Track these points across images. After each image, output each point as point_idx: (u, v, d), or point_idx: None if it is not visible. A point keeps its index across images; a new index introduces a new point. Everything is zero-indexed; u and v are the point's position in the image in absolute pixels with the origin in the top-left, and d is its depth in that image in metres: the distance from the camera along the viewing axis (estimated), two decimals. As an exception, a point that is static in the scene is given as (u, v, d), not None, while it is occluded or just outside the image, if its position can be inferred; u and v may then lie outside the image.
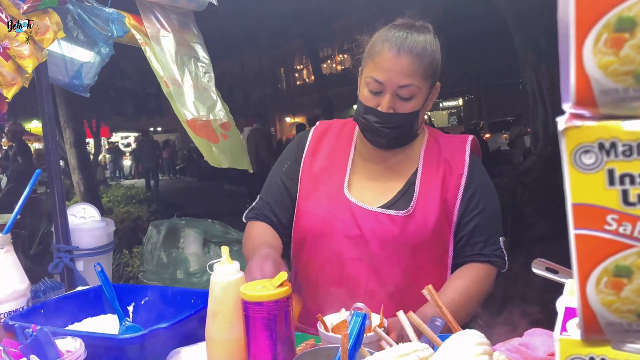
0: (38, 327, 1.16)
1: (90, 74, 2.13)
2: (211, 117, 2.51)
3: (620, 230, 0.41)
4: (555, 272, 1.16)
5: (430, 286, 1.11)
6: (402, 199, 1.64)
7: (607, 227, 0.42)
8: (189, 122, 2.39)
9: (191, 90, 2.44)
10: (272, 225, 1.77)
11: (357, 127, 1.76)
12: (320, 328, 1.37)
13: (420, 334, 1.11)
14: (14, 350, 1.15)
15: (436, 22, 1.65)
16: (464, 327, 1.66)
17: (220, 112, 2.56)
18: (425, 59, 1.54)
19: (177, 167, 23.64)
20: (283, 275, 1.26)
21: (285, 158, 1.83)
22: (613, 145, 0.41)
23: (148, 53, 2.30)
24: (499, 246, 1.65)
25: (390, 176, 1.69)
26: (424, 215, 1.61)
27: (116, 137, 30.00)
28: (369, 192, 1.68)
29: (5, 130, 8.96)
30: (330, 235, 1.65)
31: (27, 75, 1.66)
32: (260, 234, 1.74)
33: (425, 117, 1.78)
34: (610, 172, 0.41)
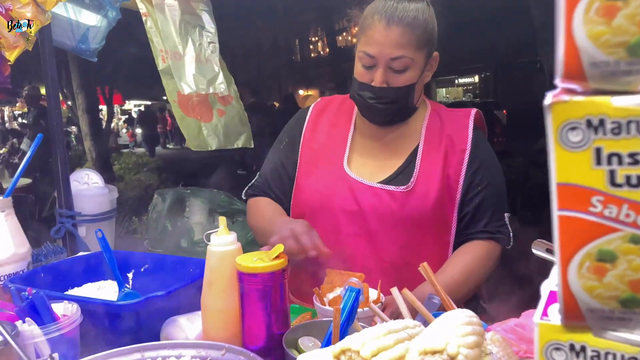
0: (34, 291, 1.17)
1: (97, 38, 2.10)
2: (211, 91, 2.47)
3: (606, 212, 0.39)
4: (555, 253, 1.13)
5: (425, 264, 1.09)
6: (402, 175, 1.62)
7: (591, 209, 0.39)
8: (181, 100, 2.35)
9: (192, 63, 2.39)
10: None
11: None
12: (316, 301, 1.37)
13: (417, 312, 1.10)
14: (10, 312, 1.16)
15: (453, -4, 1.61)
16: (466, 305, 1.66)
17: (221, 85, 2.52)
18: (417, 29, 1.50)
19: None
20: (279, 248, 1.25)
21: (284, 135, 1.82)
22: (601, 122, 0.38)
23: (149, 25, 2.25)
24: (503, 222, 1.62)
25: (390, 152, 1.67)
26: (424, 191, 1.58)
27: (129, 104, 29.99)
28: (368, 167, 1.66)
29: (24, 94, 8.96)
30: (328, 210, 1.63)
31: (29, 38, 1.64)
32: (269, 207, 1.73)
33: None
34: (598, 151, 0.39)
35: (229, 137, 2.59)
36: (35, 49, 1.89)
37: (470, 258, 1.58)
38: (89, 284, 1.59)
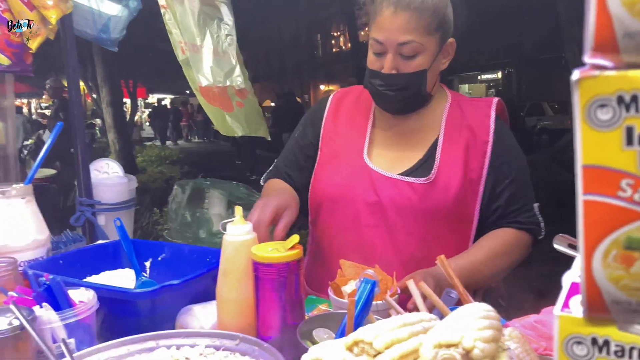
0: (51, 276, 1.17)
1: (118, 27, 2.11)
2: (228, 84, 2.48)
3: (636, 197, 0.36)
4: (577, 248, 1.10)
5: (442, 256, 1.07)
6: (422, 167, 1.59)
7: (620, 193, 0.37)
8: (202, 89, 2.37)
9: (210, 55, 2.40)
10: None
11: None
12: (331, 293, 1.36)
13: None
14: (28, 297, 1.17)
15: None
16: (483, 300, 1.64)
17: (238, 77, 2.52)
18: (425, 13, 1.47)
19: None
20: (295, 238, 1.24)
21: (302, 124, 1.83)
22: (634, 98, 0.35)
23: (167, 17, 2.26)
24: (533, 212, 1.60)
25: (410, 143, 1.64)
26: (445, 184, 1.56)
27: (153, 98, 30.28)
28: (388, 159, 1.64)
29: (47, 87, 9.10)
30: (348, 200, 1.62)
31: (50, 27, 1.65)
32: (275, 185, 1.76)
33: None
34: (629, 130, 0.36)
35: (251, 126, 2.60)
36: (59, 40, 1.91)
37: (496, 243, 1.56)
38: (107, 271, 1.60)
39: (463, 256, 1.53)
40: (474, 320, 0.70)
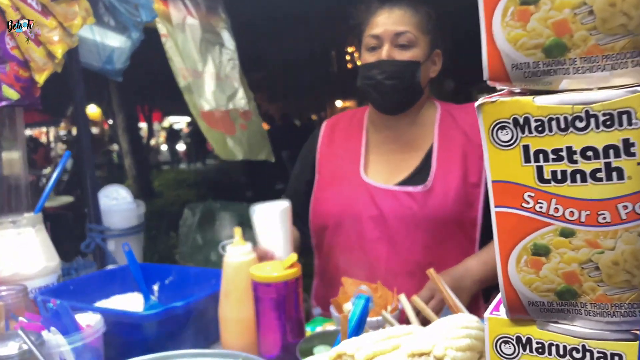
0: (58, 302, 1.22)
1: (122, 58, 2.19)
2: (230, 107, 2.55)
3: (537, 207, 0.40)
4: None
5: (431, 270, 1.09)
6: (419, 174, 1.62)
7: (524, 204, 0.40)
8: (204, 114, 2.43)
9: (212, 80, 2.48)
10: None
11: (367, 111, 1.77)
12: (333, 311, 1.38)
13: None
14: (36, 322, 1.22)
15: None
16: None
17: (241, 100, 2.59)
18: (419, 12, 1.59)
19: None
20: (293, 257, 1.27)
21: (298, 160, 1.89)
22: (526, 120, 0.39)
23: (168, 45, 2.35)
24: None
25: (404, 152, 1.67)
26: (443, 189, 1.58)
27: (167, 122, 30.51)
28: (385, 171, 1.67)
29: (68, 114, 9.36)
30: (351, 218, 1.64)
31: (57, 61, 1.72)
32: None
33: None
34: (526, 149, 0.40)
35: (253, 149, 2.66)
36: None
37: None
38: (117, 295, 1.63)
39: (485, 250, 1.56)
40: (449, 329, 0.72)
